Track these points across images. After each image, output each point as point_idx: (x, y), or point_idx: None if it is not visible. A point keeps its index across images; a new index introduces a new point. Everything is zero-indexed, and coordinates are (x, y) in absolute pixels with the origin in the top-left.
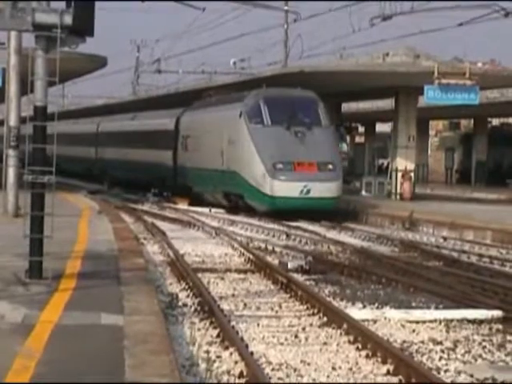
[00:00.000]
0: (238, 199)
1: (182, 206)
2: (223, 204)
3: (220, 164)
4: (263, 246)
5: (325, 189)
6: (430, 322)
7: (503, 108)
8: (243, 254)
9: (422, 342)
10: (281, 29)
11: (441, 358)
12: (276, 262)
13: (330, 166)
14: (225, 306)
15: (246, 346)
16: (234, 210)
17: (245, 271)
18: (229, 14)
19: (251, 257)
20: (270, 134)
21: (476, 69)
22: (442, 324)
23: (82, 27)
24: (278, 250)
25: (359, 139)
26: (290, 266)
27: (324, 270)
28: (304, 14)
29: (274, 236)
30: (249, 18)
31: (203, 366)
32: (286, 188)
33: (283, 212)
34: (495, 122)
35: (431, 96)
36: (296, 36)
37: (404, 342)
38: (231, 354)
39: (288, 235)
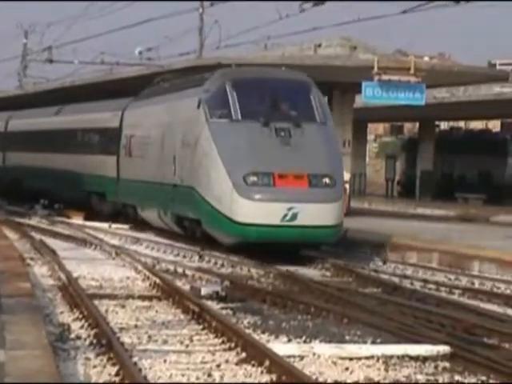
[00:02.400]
0: (195, 226)
1: (77, 220)
2: (176, 231)
3: (171, 176)
4: (172, 268)
5: (319, 213)
6: (366, 358)
7: (453, 110)
8: (148, 278)
9: (357, 381)
10: (195, 13)
11: None
12: (187, 287)
13: (328, 180)
14: (126, 338)
15: None
16: (139, 226)
17: (150, 298)
18: None
19: (158, 281)
20: (240, 132)
21: (422, 63)
22: (380, 361)
23: None
24: (189, 273)
25: None
26: (203, 291)
27: (243, 296)
28: None
29: (184, 257)
30: (157, 1)
31: None
32: (263, 211)
33: (258, 246)
34: (444, 125)
35: (370, 94)
36: (213, 22)
37: (336, 381)
38: None
39: (201, 256)
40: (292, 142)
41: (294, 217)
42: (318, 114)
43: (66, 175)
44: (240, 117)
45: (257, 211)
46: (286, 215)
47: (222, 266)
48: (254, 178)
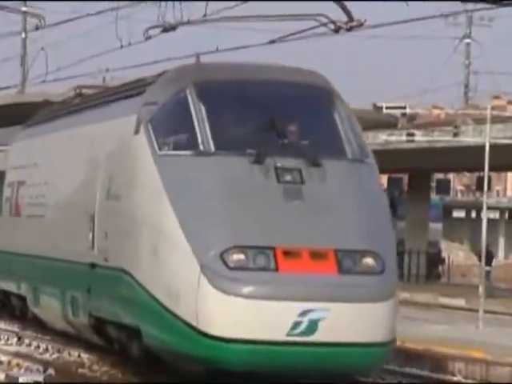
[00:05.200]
0: (130, 337)
1: None
2: (93, 341)
3: (86, 249)
4: None
5: (358, 321)
6: None
7: None
8: None
9: None
10: (17, 38)
11: None
12: (1, 376)
13: (371, 262)
14: None
15: None
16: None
17: None
18: None
19: None
20: (213, 175)
21: None
22: None
23: None
24: (4, 359)
25: None
26: (21, 381)
27: None
28: (51, 18)
29: None
30: None
31: None
32: (256, 317)
33: (246, 377)
34: None
35: None
36: (39, 50)
37: None
38: None
39: (20, 338)
40: (306, 192)
41: (313, 327)
42: (350, 144)
43: None
44: (213, 147)
45: (245, 317)
46: (297, 324)
47: (46, 350)
48: (240, 257)
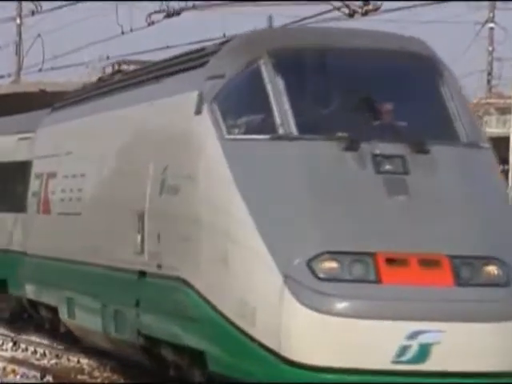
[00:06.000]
0: (191, 362)
1: None
2: (144, 362)
3: (134, 253)
4: None
5: (482, 344)
6: None
7: None
8: None
9: None
10: (11, 24)
11: None
12: None
13: (495, 271)
14: None
15: None
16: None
17: None
18: None
19: None
20: (296, 165)
21: None
22: None
23: None
24: None
25: None
26: None
27: None
28: (47, 4)
29: None
30: None
31: None
32: (354, 340)
33: None
34: None
35: None
36: (35, 37)
37: None
38: None
39: (16, 342)
40: (411, 185)
41: (425, 353)
42: (463, 125)
43: None
44: (295, 130)
45: (340, 340)
46: (405, 349)
47: (44, 355)
48: (333, 266)
